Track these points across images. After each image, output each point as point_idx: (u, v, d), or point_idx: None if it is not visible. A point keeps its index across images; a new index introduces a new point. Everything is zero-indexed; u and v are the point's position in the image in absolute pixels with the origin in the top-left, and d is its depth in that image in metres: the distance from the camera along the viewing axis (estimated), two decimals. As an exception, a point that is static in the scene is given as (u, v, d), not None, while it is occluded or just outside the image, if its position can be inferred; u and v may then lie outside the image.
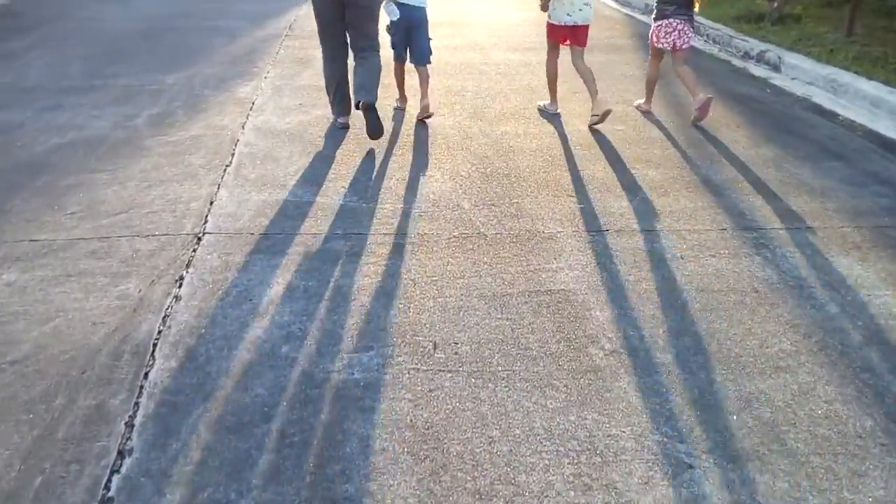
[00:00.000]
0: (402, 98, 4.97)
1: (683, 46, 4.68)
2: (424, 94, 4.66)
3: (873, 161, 4.14)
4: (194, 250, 2.93)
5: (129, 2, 9.93)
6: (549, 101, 4.96)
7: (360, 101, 4.13)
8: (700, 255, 3.00)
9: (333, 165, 3.90)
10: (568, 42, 4.69)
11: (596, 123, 4.62)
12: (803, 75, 5.76)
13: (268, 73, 5.80)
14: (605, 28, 8.09)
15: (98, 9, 9.11)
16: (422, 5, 4.50)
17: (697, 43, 7.41)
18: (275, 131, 4.41)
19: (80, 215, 3.23)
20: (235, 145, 4.15)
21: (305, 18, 8.24)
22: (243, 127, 4.47)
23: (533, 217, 3.32)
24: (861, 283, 2.81)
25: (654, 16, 4.79)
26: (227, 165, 3.85)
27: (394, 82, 4.91)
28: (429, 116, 4.68)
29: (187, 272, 2.77)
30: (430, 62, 4.65)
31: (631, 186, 3.71)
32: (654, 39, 4.78)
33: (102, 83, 5.45)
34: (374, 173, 3.82)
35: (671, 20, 4.65)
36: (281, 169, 3.82)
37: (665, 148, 4.31)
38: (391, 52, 4.63)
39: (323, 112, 4.73)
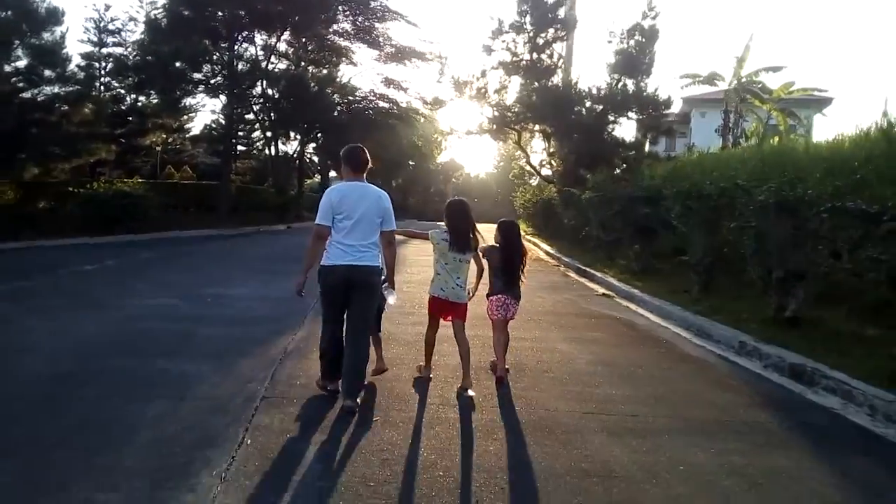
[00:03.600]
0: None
1: (512, 318, 5.56)
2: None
3: None
4: None
5: (75, 311, 7.87)
6: (423, 366, 5.42)
7: (344, 403, 4.48)
8: None
9: None
10: (450, 318, 5.24)
11: (460, 393, 4.92)
12: None
13: (211, 511, 3.21)
14: (704, 384, 5.69)
15: (24, 326, 6.97)
16: None
17: (856, 418, 5.12)
18: None
19: None
20: None
21: (298, 356, 5.96)
22: None
23: None
24: None
25: (487, 292, 5.53)
26: None
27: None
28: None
29: None
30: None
31: None
32: (492, 312, 5.50)
33: None
34: None
35: (500, 296, 5.46)
36: None
37: None
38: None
39: None
